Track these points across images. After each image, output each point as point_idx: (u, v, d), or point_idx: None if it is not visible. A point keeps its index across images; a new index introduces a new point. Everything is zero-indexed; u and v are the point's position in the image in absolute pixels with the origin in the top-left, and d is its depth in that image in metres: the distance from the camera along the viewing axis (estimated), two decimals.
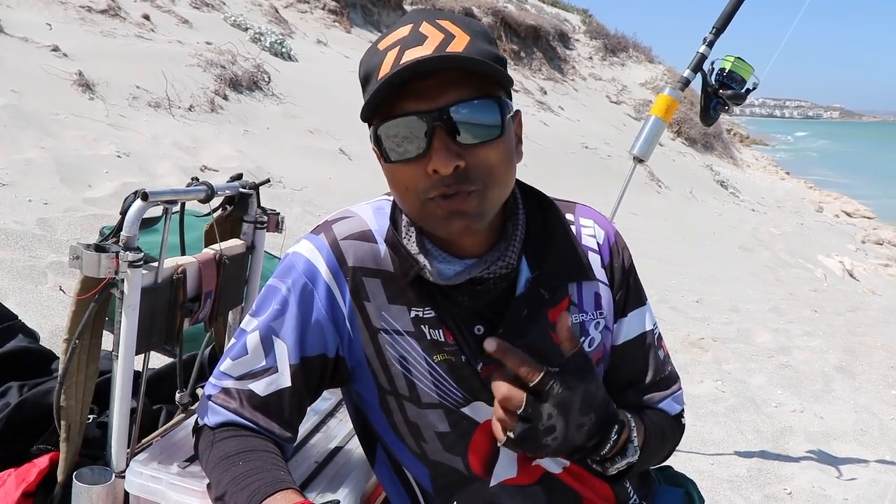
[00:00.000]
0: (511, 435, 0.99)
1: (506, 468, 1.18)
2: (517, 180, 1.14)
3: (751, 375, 4.52)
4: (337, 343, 1.16)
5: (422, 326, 1.12)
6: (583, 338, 1.17)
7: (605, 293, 1.20)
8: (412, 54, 0.98)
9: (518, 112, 1.09)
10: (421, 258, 1.11)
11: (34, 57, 6.34)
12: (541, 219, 1.18)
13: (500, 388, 1.00)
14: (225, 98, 7.70)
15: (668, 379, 1.28)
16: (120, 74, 6.77)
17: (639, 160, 3.06)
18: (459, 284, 1.10)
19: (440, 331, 1.12)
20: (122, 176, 4.77)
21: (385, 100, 1.00)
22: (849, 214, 16.48)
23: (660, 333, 1.29)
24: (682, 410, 1.31)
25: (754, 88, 3.16)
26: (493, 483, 1.18)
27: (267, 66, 9.04)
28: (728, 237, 10.53)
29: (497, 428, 1.02)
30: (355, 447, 1.42)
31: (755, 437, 3.64)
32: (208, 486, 1.10)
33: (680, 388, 1.30)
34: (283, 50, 10.72)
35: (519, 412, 0.98)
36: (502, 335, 1.11)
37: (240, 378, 1.14)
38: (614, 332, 1.23)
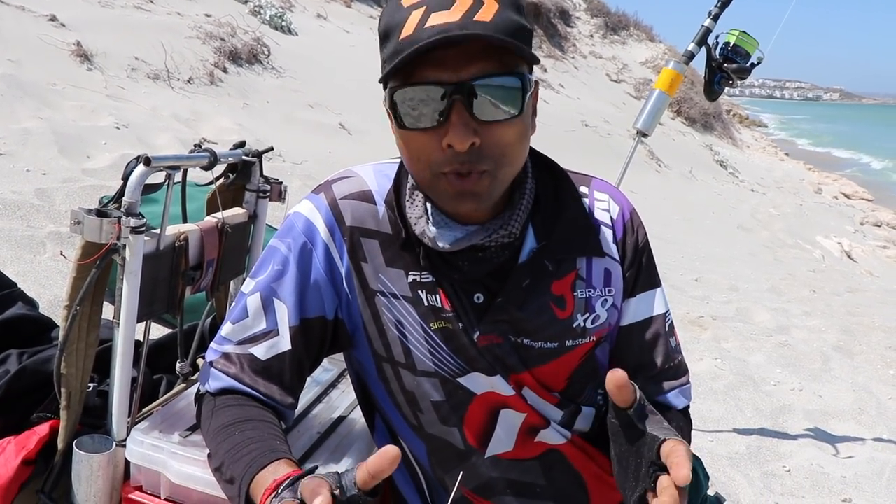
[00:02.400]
0: None
1: (502, 441, 1.16)
2: (531, 148, 1.11)
3: (750, 354, 4.52)
4: (336, 305, 1.14)
5: (419, 291, 1.10)
6: (587, 314, 1.14)
7: (615, 270, 1.16)
8: (438, 18, 0.93)
9: (536, 83, 1.04)
10: (421, 222, 1.08)
11: (31, 26, 6.27)
12: (552, 189, 1.15)
13: None
14: (224, 71, 7.64)
15: (678, 369, 1.24)
16: (118, 45, 6.71)
17: (643, 134, 3.04)
18: (460, 250, 1.07)
19: (437, 296, 1.09)
20: (120, 147, 4.73)
21: (405, 64, 0.95)
22: (847, 196, 16.47)
23: (672, 321, 1.24)
24: (689, 406, 1.26)
25: (759, 63, 3.12)
26: (487, 455, 1.16)
27: (267, 40, 8.96)
28: (727, 217, 10.52)
29: None
30: (358, 417, 1.41)
31: (754, 415, 3.64)
32: (209, 455, 1.09)
33: (688, 382, 1.26)
34: (283, 23, 10.63)
35: None
36: (501, 304, 1.09)
37: (240, 343, 1.13)
38: (622, 311, 1.19)
